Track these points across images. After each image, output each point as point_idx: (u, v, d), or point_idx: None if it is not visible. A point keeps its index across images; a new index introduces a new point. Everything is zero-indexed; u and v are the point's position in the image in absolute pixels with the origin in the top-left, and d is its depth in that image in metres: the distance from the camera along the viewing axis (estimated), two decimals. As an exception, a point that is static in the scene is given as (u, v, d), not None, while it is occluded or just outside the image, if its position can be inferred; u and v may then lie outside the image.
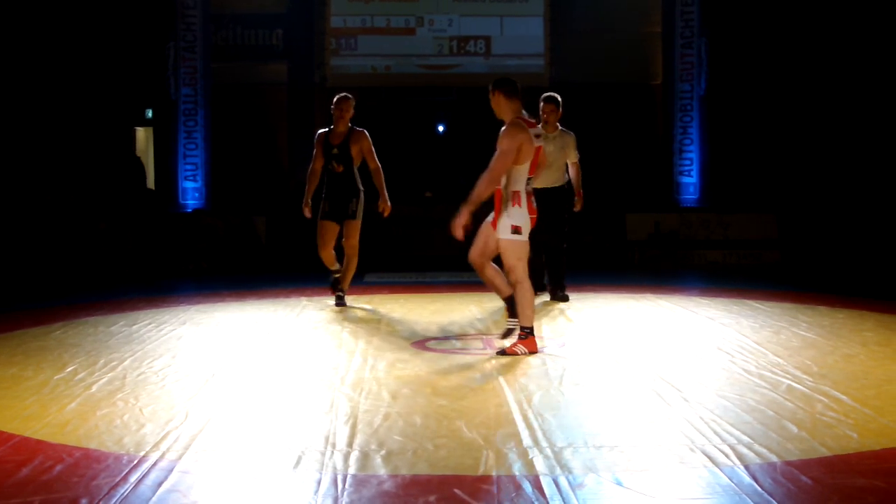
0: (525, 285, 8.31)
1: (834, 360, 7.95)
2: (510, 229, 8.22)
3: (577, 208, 11.86)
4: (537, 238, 10.67)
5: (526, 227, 8.30)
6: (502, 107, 8.35)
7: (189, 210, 19.20)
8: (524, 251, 8.35)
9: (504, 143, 8.15)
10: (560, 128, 11.65)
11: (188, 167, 19.76)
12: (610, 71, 21.43)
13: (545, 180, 11.10)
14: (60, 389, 6.91)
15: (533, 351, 8.34)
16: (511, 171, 8.20)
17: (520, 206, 8.25)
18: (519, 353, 8.30)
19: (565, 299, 11.71)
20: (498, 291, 8.56)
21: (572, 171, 11.78)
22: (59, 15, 19.24)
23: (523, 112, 8.34)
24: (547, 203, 10.88)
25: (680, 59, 20.43)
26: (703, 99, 20.22)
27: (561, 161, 11.61)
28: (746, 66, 20.47)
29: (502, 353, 8.34)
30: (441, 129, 21.87)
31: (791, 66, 20.37)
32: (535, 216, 8.37)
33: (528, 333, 8.37)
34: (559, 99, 11.66)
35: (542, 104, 11.59)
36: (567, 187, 11.80)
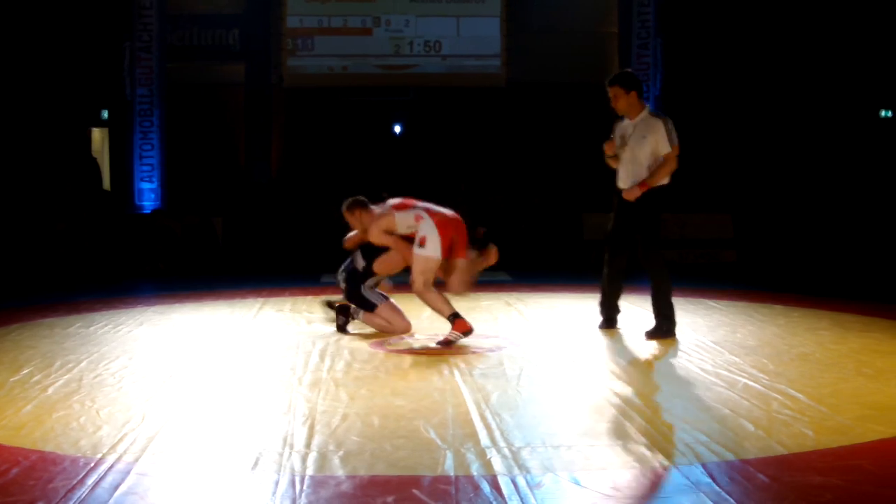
0: (427, 295, 8.96)
1: (790, 358, 8.00)
2: (418, 243, 8.95)
3: (628, 195, 9.25)
4: (619, 251, 9.58)
5: (433, 240, 8.95)
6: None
7: (146, 211, 19.12)
8: (428, 265, 8.95)
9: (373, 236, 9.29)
10: (647, 111, 9.46)
11: (144, 168, 19.68)
12: (566, 71, 21.49)
13: (625, 178, 9.42)
14: (16, 392, 6.86)
15: (467, 330, 8.80)
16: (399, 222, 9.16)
17: (423, 220, 9.02)
18: (454, 339, 8.74)
19: (669, 333, 9.20)
20: (440, 313, 9.03)
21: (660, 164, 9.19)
22: (12, 14, 19.09)
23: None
24: (629, 209, 9.35)
25: (636, 60, 20.51)
26: (658, 99, 20.30)
27: (643, 153, 9.23)
28: (702, 67, 20.58)
29: (442, 344, 8.76)
30: (398, 129, 21.87)
31: (746, 67, 20.50)
32: (452, 220, 9.12)
33: (453, 317, 8.83)
34: (623, 77, 9.68)
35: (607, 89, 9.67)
36: (661, 188, 9.25)
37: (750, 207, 18.96)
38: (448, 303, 8.93)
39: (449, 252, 9.03)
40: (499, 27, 21.47)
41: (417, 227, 8.98)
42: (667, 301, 9.24)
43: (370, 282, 9.58)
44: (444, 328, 9.12)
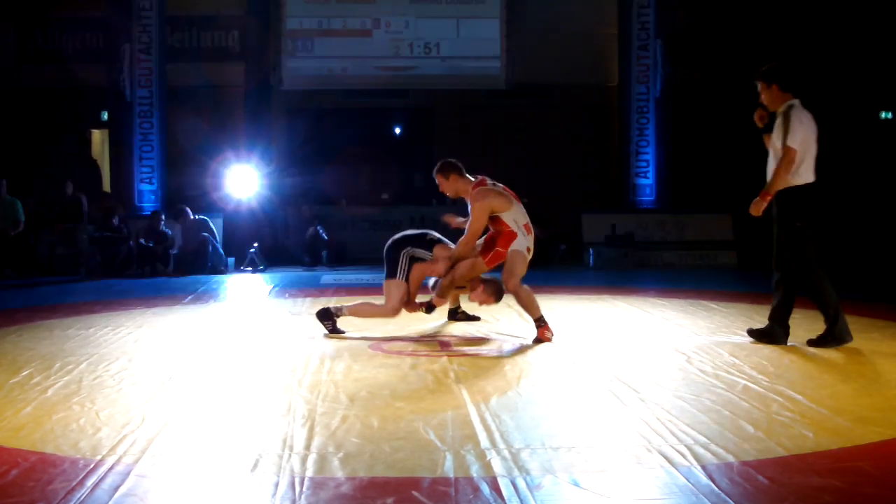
0: (522, 291, 9.18)
1: (789, 360, 8.00)
2: (525, 248, 9.26)
3: (751, 209, 8.83)
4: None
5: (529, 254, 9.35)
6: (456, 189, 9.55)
7: (145, 212, 19.11)
8: (525, 264, 9.26)
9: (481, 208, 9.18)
10: (785, 105, 8.81)
11: (144, 169, 19.67)
12: (566, 73, 21.50)
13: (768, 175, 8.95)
14: (15, 394, 6.85)
15: (552, 335, 9.18)
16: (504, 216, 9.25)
17: (532, 233, 9.38)
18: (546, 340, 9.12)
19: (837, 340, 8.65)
20: (530, 312, 9.29)
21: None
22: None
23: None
24: (775, 210, 8.92)
25: (636, 61, 20.52)
26: (658, 101, 20.31)
27: (775, 150, 8.85)
28: (702, 68, 20.58)
29: (538, 341, 9.09)
30: (397, 130, 21.86)
31: (745, 67, 20.47)
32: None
33: (542, 322, 9.20)
34: (766, 71, 8.98)
35: None
36: (796, 189, 8.78)
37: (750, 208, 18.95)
38: (538, 306, 9.24)
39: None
40: (498, 29, 21.46)
41: (527, 236, 9.28)
42: (786, 310, 8.86)
43: (419, 252, 9.48)
44: (443, 331, 9.14)
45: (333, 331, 9.56)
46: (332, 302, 12.07)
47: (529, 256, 9.30)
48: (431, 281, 9.72)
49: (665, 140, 20.37)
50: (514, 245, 9.15)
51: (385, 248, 9.63)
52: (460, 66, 21.38)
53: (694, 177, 20.12)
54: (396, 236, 9.66)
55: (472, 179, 9.41)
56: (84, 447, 5.42)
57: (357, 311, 9.68)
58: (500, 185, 9.46)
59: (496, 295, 9.59)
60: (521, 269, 9.15)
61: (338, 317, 9.65)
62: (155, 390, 6.94)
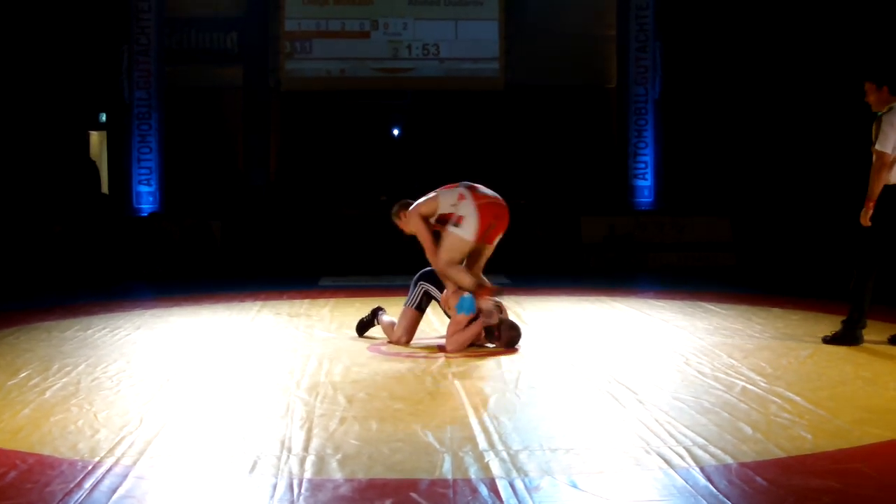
0: (450, 270, 8.77)
1: (788, 361, 8.00)
2: (455, 221, 8.79)
3: (861, 219, 8.75)
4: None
5: (469, 222, 8.73)
6: None
7: (143, 214, 19.10)
8: (458, 245, 8.78)
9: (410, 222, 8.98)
10: (889, 106, 8.76)
11: (142, 171, 19.65)
12: (565, 74, 21.47)
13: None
14: (14, 395, 6.85)
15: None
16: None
17: (465, 199, 8.84)
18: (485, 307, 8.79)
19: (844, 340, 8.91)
20: (462, 287, 8.84)
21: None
22: (10, 17, 19.07)
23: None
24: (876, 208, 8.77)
25: (635, 63, 20.51)
26: (657, 102, 20.31)
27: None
28: (701, 69, 20.57)
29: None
30: (396, 132, 21.84)
31: (745, 69, 20.48)
32: (494, 204, 8.88)
33: (479, 288, 8.79)
34: (880, 72, 8.88)
35: None
36: (891, 188, 8.71)
37: (748, 211, 18.95)
38: (470, 275, 8.78)
39: (482, 237, 8.82)
40: (497, 30, 21.42)
41: (458, 206, 8.76)
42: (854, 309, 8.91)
43: (433, 290, 9.10)
44: (440, 332, 9.15)
45: (363, 327, 9.52)
46: (330, 303, 12.08)
47: (474, 227, 8.73)
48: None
49: (664, 142, 20.37)
50: (450, 227, 8.76)
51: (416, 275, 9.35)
52: (458, 68, 21.33)
53: (692, 178, 20.10)
54: (427, 269, 9.27)
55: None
56: (82, 449, 5.42)
57: (383, 326, 9.39)
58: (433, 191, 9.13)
59: (509, 342, 8.86)
60: (449, 246, 8.73)
61: (377, 322, 9.50)
62: (153, 392, 6.94)
